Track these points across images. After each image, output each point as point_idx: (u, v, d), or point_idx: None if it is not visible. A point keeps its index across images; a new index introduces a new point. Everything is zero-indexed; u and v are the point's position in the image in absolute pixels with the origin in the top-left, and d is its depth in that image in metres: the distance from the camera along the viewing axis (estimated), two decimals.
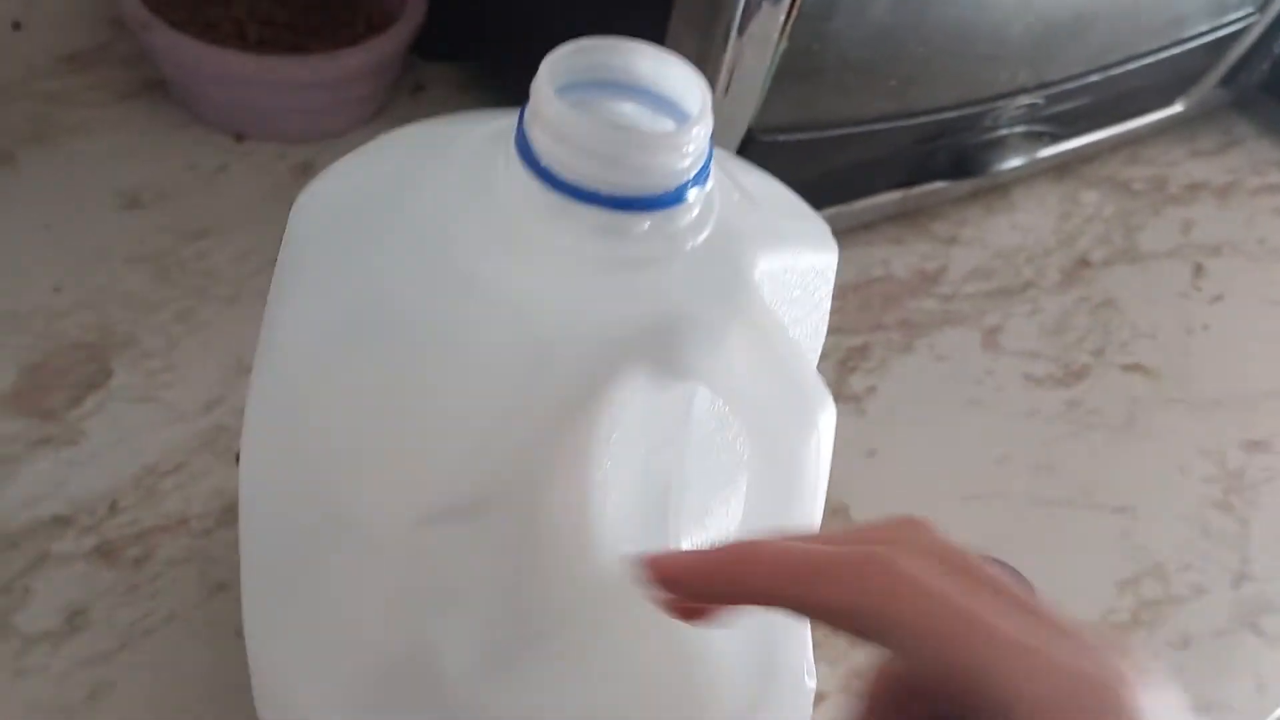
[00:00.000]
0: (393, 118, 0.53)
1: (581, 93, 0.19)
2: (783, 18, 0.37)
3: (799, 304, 0.22)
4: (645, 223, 0.18)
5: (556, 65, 0.19)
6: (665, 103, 0.20)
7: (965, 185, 0.57)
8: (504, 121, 0.21)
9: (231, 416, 0.40)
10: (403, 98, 0.54)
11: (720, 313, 0.19)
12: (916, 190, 0.54)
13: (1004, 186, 0.60)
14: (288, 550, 0.24)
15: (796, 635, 0.25)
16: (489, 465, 0.19)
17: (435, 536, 0.20)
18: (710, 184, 0.19)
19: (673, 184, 0.18)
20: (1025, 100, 0.53)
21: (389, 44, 0.49)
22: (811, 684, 0.27)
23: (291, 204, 0.47)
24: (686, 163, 0.18)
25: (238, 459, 0.39)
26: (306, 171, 0.49)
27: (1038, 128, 0.56)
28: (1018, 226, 0.58)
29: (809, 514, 0.21)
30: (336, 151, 0.50)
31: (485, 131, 0.21)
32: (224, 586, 0.36)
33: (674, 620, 0.22)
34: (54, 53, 0.50)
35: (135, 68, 0.51)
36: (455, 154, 0.21)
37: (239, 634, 0.35)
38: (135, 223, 0.46)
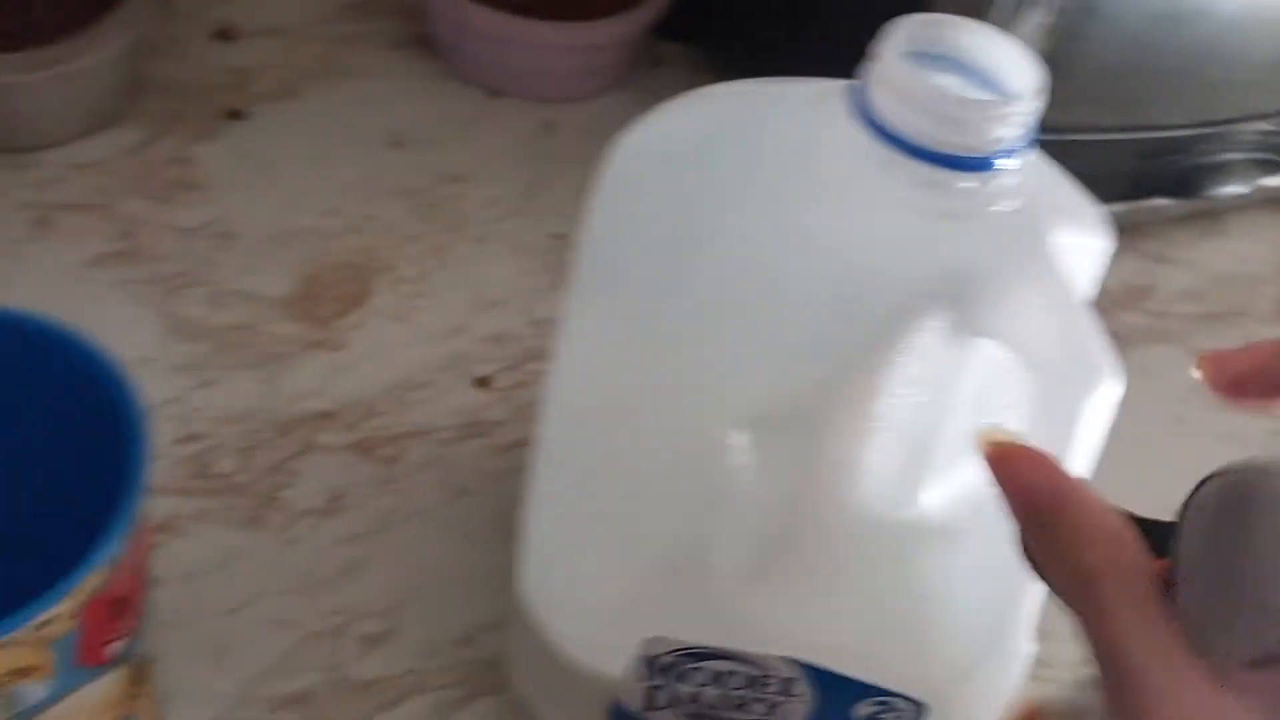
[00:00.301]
0: (632, 87, 0.56)
1: (916, 61, 0.21)
2: (1044, 21, 0.38)
3: (1077, 281, 0.24)
4: (966, 182, 0.21)
5: (900, 34, 0.21)
6: (988, 78, 0.22)
7: (1180, 206, 0.56)
8: (819, 86, 0.24)
9: (471, 345, 0.44)
10: (643, 70, 0.57)
11: (1020, 275, 0.21)
12: (1135, 205, 0.54)
13: (1219, 213, 0.59)
14: (588, 451, 0.27)
15: (1028, 599, 0.27)
16: (794, 388, 0.21)
17: (735, 444, 0.22)
18: (1026, 156, 0.21)
19: (996, 149, 0.20)
20: (1260, 126, 0.52)
21: (641, 18, 0.52)
22: (1030, 649, 0.29)
23: (535, 157, 0.51)
24: (1013, 132, 0.20)
25: (478, 383, 0.43)
26: (550, 129, 0.53)
27: (1267, 155, 0.55)
28: (1232, 254, 0.58)
29: None
30: (579, 113, 0.54)
31: (804, 94, 0.24)
32: (464, 492, 0.40)
33: (920, 564, 0.24)
34: (341, 0, 0.55)
35: (408, 20, 0.55)
36: (778, 112, 0.23)
37: (467, 537, 0.39)
38: (399, 161, 0.50)
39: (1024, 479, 0.19)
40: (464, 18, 0.51)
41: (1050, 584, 0.19)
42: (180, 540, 0.37)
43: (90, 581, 0.22)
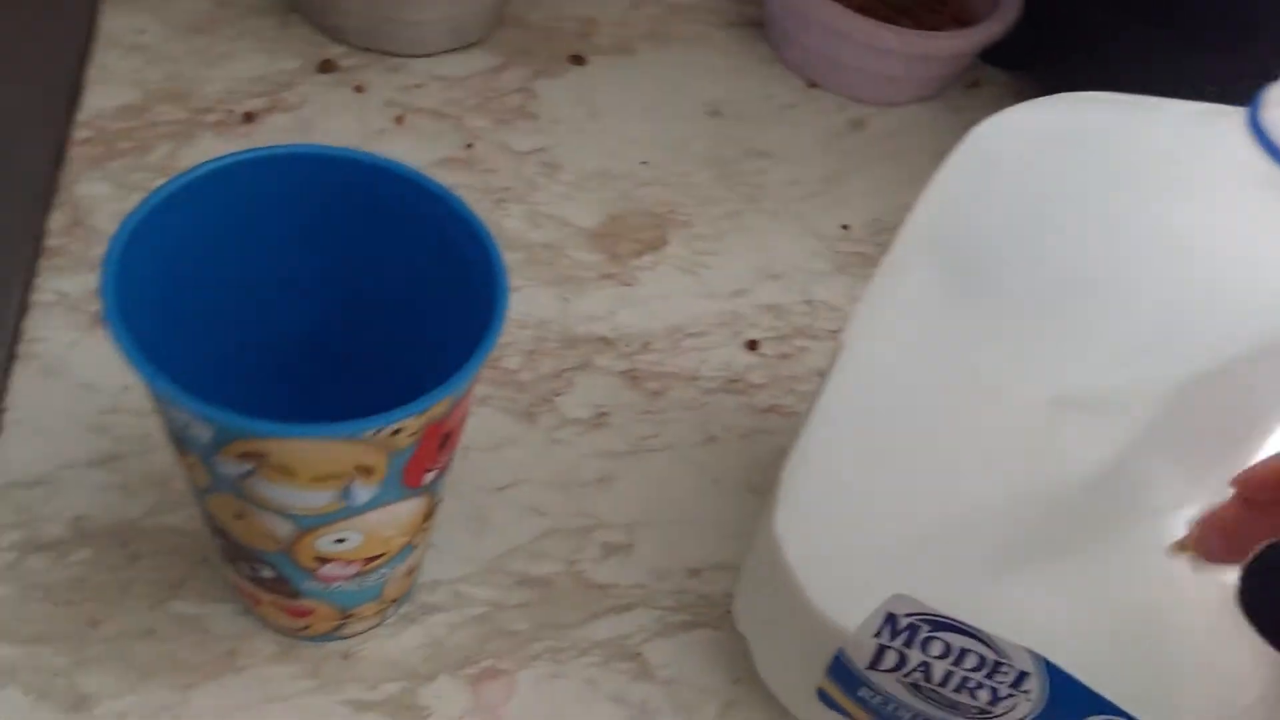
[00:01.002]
0: (944, 102, 0.57)
1: None
2: None
3: None
4: None
5: None
6: None
7: None
8: (1202, 106, 0.24)
9: (748, 308, 0.46)
10: (958, 89, 0.58)
11: None
12: None
13: None
14: (875, 415, 0.28)
15: None
16: (1129, 379, 0.22)
17: (1048, 426, 0.23)
18: None
19: None
20: None
21: (976, 37, 0.53)
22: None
23: (840, 151, 0.52)
24: None
25: (748, 345, 0.45)
26: (858, 127, 0.55)
27: None
28: None
29: None
30: (888, 117, 0.56)
31: (1183, 112, 0.24)
32: (714, 439, 0.42)
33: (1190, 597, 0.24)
34: None
35: (743, 2, 0.58)
36: (1155, 120, 0.24)
37: (713, 481, 0.41)
38: (714, 129, 0.53)
39: None
40: (806, 8, 0.53)
41: None
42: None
43: (439, 406, 0.26)
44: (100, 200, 0.44)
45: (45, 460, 0.37)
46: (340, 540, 0.29)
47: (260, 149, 0.28)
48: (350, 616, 0.33)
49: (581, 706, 0.35)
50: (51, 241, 0.42)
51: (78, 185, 0.44)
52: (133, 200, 0.46)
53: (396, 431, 0.25)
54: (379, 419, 0.24)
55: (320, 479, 0.26)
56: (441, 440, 0.28)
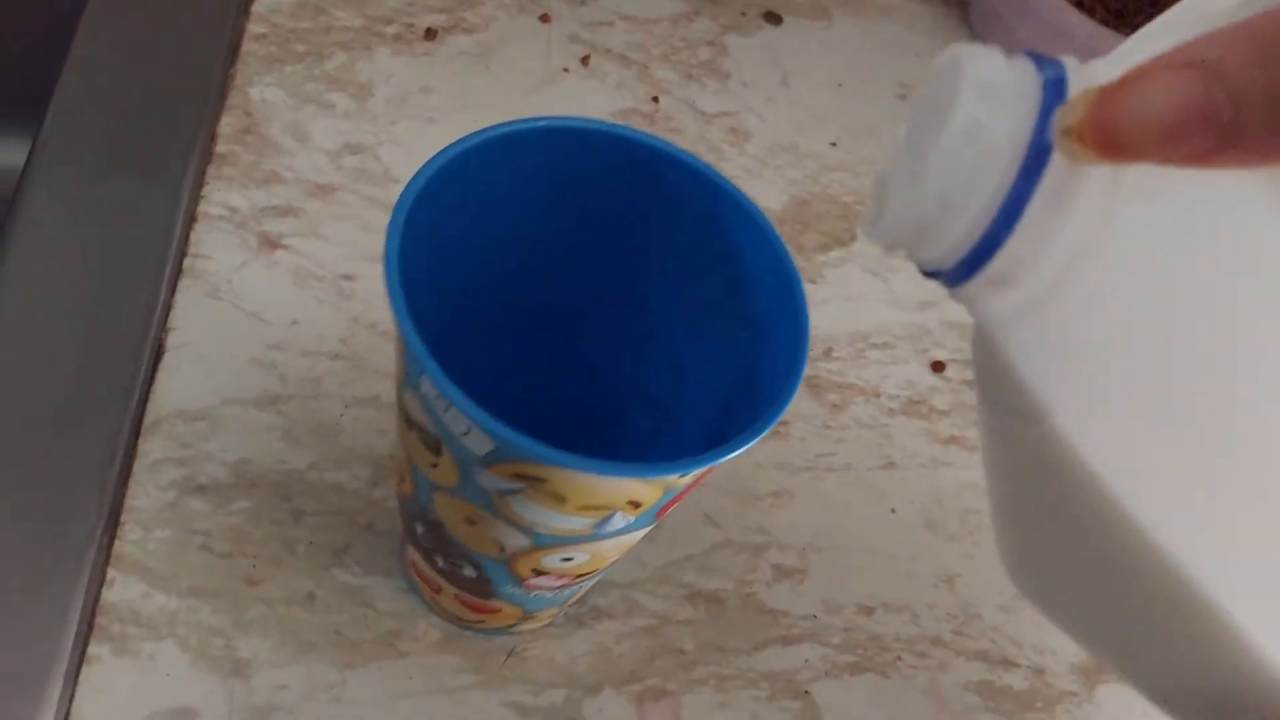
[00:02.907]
0: None
1: None
2: None
3: None
4: None
5: None
6: None
7: None
8: None
9: (936, 324, 0.43)
10: None
11: None
12: None
13: None
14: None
15: None
16: None
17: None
18: None
19: None
20: None
21: None
22: None
23: None
24: None
25: (934, 365, 0.43)
26: None
27: None
28: None
29: None
30: None
31: None
32: (893, 465, 0.40)
33: None
34: None
35: None
36: None
37: (891, 511, 0.38)
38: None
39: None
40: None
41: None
42: None
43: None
44: (274, 108, 0.40)
45: (208, 394, 0.34)
46: (567, 560, 0.26)
47: (549, 119, 0.25)
48: (530, 618, 0.31)
49: None
50: (221, 148, 0.39)
51: (251, 88, 0.40)
52: (307, 112, 0.43)
53: (684, 474, 0.23)
54: (691, 462, 0.22)
55: (587, 508, 0.23)
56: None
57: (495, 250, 0.27)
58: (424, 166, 0.24)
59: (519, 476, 0.22)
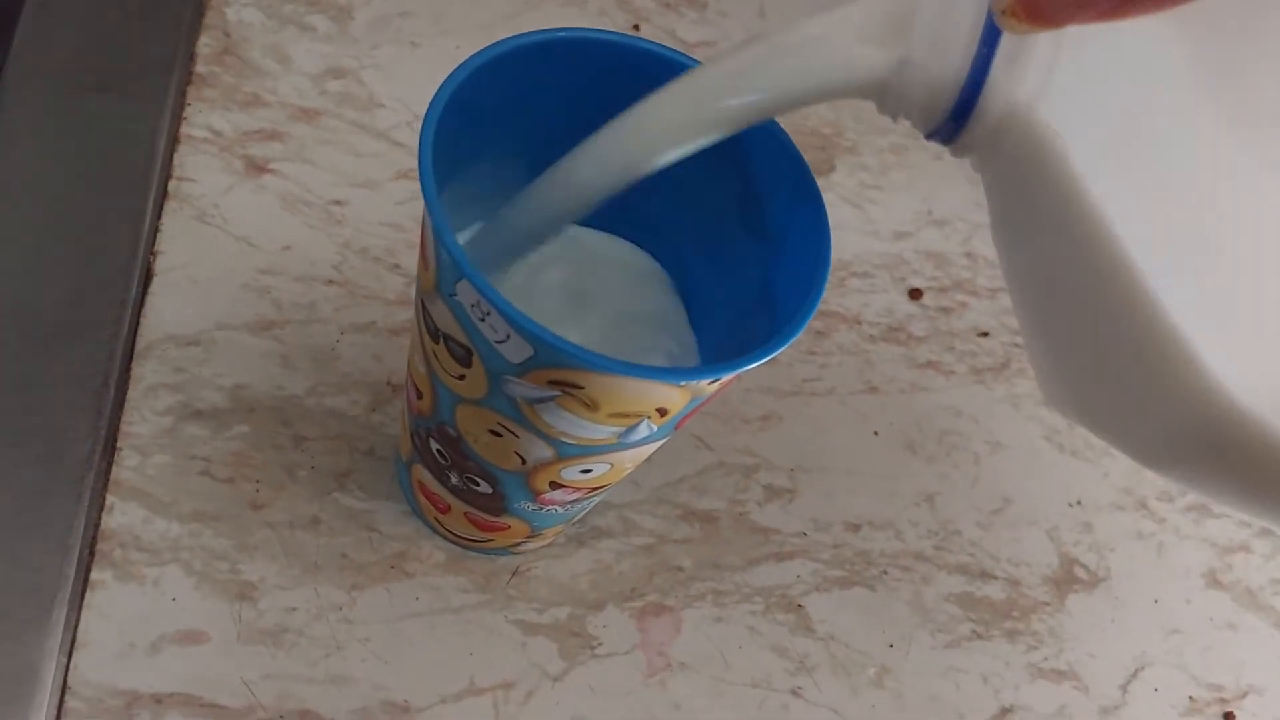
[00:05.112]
0: None
1: None
2: None
3: None
4: None
5: None
6: None
7: None
8: None
9: (912, 254, 0.44)
10: None
11: None
12: None
13: None
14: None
15: None
16: None
17: None
18: None
19: None
20: None
21: None
22: None
23: None
24: None
25: (911, 293, 0.44)
26: None
27: None
28: None
29: None
30: None
31: None
32: (874, 389, 0.41)
33: None
34: None
35: None
36: None
37: (875, 433, 0.39)
38: None
39: None
40: None
41: None
42: None
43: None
44: (252, 29, 0.39)
45: (200, 318, 0.33)
46: (586, 471, 0.27)
47: (573, 30, 0.25)
48: (535, 536, 0.32)
49: (745, 655, 0.34)
50: (200, 68, 0.37)
51: (228, 8, 0.39)
52: (287, 34, 0.42)
53: (714, 382, 0.23)
54: (729, 366, 0.22)
55: (618, 415, 0.24)
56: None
57: (511, 162, 0.27)
58: (449, 77, 0.23)
59: (554, 384, 0.23)
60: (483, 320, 0.22)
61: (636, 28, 0.46)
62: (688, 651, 0.34)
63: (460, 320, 0.23)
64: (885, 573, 0.37)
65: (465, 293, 0.22)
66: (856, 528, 0.38)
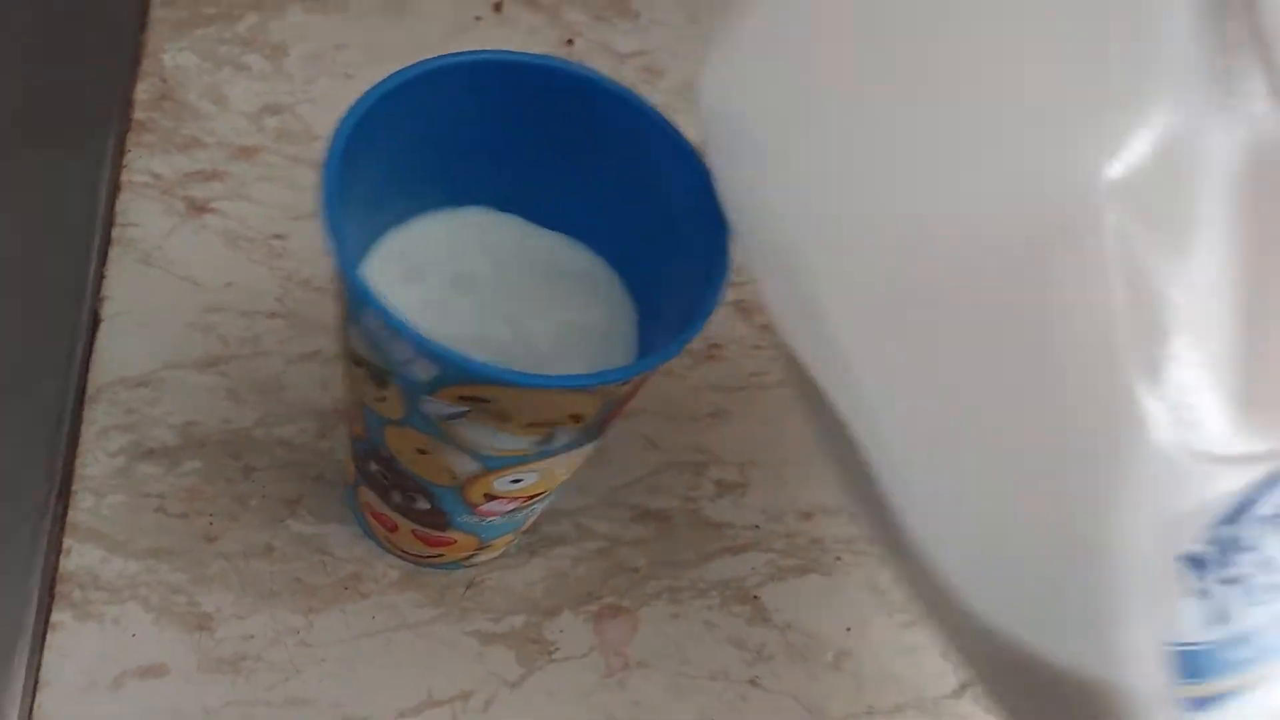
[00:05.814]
0: None
1: None
2: None
3: None
4: None
5: None
6: None
7: None
8: None
9: None
10: None
11: None
12: None
13: None
14: None
15: None
16: None
17: None
18: None
19: None
20: None
21: None
22: None
23: None
24: None
25: None
26: None
27: None
28: None
29: None
30: None
31: None
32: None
33: None
34: None
35: None
36: None
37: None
38: None
39: None
40: None
41: None
42: None
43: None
44: (188, 73, 0.40)
45: (148, 359, 0.34)
46: (516, 480, 0.27)
47: (480, 53, 0.26)
48: (486, 548, 0.32)
49: (702, 649, 0.35)
50: (139, 115, 0.38)
51: (164, 54, 0.40)
52: (223, 75, 0.43)
53: (624, 384, 0.24)
54: (630, 369, 0.23)
55: (533, 425, 0.24)
56: (636, 391, 0.26)
57: (423, 184, 0.28)
58: (355, 104, 0.24)
59: (464, 399, 0.23)
60: (389, 343, 0.23)
61: (570, 42, 0.46)
62: (645, 650, 0.34)
63: (371, 345, 0.24)
64: (839, 558, 0.38)
65: (369, 318, 0.23)
66: (809, 515, 0.38)
